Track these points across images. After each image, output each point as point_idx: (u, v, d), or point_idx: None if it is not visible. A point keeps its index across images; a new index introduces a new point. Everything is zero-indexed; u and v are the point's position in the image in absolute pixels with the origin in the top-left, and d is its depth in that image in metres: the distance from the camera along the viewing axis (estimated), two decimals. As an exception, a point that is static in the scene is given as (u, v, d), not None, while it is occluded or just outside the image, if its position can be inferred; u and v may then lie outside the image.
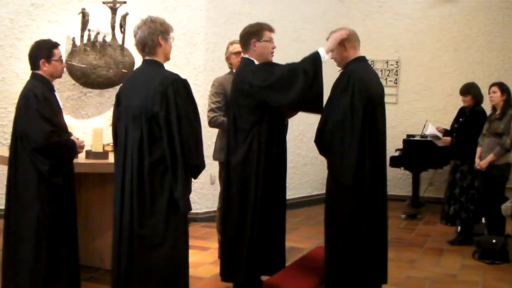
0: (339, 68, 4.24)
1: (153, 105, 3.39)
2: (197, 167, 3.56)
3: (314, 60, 4.12)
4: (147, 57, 3.61)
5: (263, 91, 4.17)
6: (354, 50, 4.16)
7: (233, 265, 4.36)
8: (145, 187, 3.42)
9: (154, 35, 3.54)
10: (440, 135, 6.65)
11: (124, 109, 3.57)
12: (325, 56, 4.14)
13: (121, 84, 3.83)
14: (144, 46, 3.57)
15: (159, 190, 3.43)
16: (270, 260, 4.40)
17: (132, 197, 3.44)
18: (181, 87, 3.45)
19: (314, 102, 4.14)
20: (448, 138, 6.54)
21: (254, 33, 4.37)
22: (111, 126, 3.81)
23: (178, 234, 3.53)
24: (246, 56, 4.43)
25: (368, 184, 3.97)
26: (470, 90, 6.37)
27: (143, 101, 3.43)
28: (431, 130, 6.73)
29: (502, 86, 6.06)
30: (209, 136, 5.70)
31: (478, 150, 6.09)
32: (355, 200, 3.95)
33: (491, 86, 6.15)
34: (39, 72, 4.07)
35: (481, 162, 5.97)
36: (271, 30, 4.43)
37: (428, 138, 6.75)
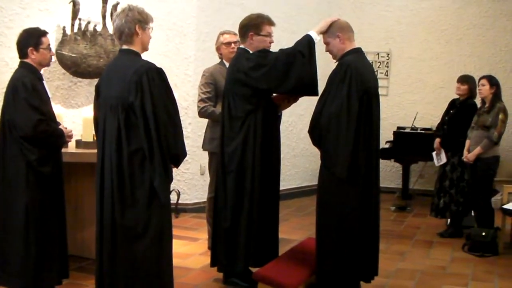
0: (333, 61, 4.21)
1: (129, 94, 3.37)
2: (177, 156, 3.53)
3: (308, 42, 4.17)
4: (124, 46, 3.58)
5: (261, 78, 4.18)
6: (349, 41, 4.12)
7: (230, 255, 4.36)
8: (125, 177, 3.41)
9: (132, 24, 3.51)
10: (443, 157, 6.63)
11: (102, 100, 3.55)
12: (316, 38, 4.19)
13: (101, 76, 3.79)
14: (121, 34, 3.54)
15: (139, 180, 3.41)
16: (266, 249, 4.40)
17: (112, 188, 3.43)
18: (156, 76, 3.42)
19: (311, 84, 4.17)
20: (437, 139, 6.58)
21: (253, 26, 4.36)
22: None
23: (161, 224, 3.51)
24: (242, 46, 4.42)
25: (362, 176, 3.96)
26: (468, 80, 6.42)
27: (120, 91, 3.41)
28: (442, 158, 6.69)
29: (491, 79, 6.06)
30: (200, 127, 5.68)
31: (467, 143, 6.10)
32: (348, 192, 3.93)
33: (480, 79, 6.14)
34: (27, 60, 4.05)
35: (469, 155, 5.98)
36: (271, 23, 4.42)
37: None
